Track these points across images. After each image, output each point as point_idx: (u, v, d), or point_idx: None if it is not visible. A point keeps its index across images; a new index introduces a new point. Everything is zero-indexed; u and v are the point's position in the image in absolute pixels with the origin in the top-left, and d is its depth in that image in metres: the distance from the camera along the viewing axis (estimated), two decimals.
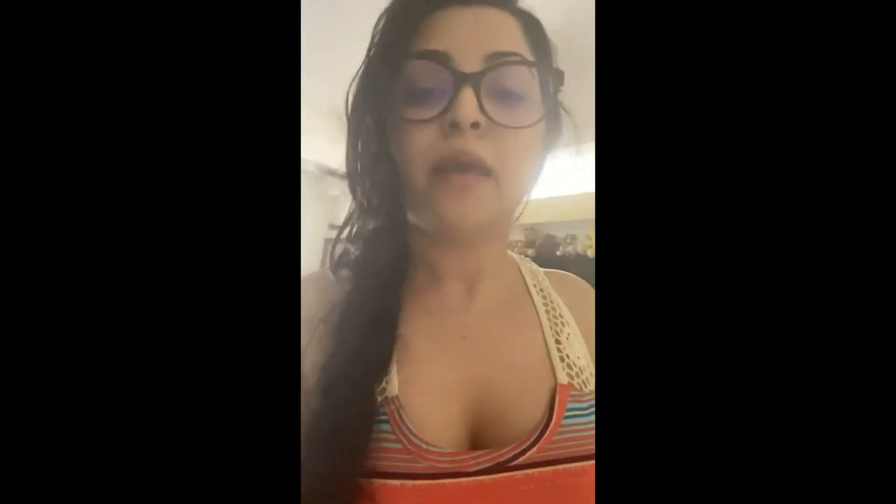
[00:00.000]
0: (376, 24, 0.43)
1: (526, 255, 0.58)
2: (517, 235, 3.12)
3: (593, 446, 0.40)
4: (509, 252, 0.53)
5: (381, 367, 0.41)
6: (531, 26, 0.43)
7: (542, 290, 0.50)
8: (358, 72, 0.43)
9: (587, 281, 0.53)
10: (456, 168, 0.38)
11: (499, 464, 0.39)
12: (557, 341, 0.46)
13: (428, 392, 0.41)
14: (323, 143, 1.97)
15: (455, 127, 0.37)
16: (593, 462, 0.40)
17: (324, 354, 0.41)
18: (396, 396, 0.40)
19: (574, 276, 0.54)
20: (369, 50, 0.43)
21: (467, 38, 0.39)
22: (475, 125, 0.38)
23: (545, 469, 0.39)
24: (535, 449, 0.39)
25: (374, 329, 0.41)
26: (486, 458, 0.39)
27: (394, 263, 0.44)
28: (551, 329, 0.46)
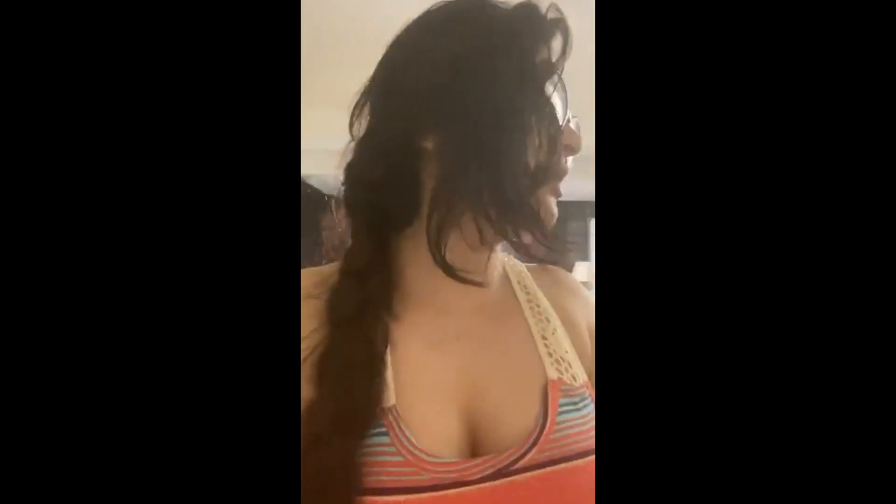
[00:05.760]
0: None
1: None
2: None
3: (588, 442, 0.41)
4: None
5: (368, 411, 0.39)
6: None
7: (525, 286, 0.50)
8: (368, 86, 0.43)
9: None
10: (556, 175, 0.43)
11: (500, 469, 0.38)
12: (544, 337, 0.46)
13: (425, 399, 0.40)
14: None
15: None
16: (591, 459, 0.40)
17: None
18: (394, 406, 0.39)
19: (554, 267, 0.54)
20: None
21: None
22: None
23: (545, 470, 0.39)
24: (535, 450, 0.39)
25: (363, 367, 0.40)
26: (488, 465, 0.39)
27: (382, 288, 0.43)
28: (537, 325, 0.46)
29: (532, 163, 0.40)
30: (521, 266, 0.52)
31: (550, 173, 0.42)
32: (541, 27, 0.42)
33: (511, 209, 0.40)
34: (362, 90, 0.45)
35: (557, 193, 0.45)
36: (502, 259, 0.51)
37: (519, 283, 0.50)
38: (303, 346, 0.40)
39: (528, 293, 0.49)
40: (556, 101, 0.42)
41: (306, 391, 0.38)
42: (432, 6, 0.44)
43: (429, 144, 0.41)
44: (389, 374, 0.40)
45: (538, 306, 0.48)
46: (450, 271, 0.41)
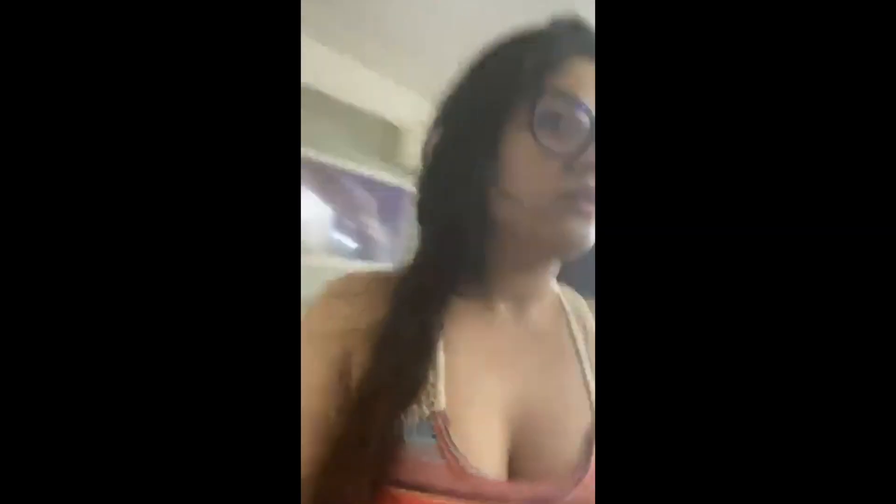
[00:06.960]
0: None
1: None
2: None
3: None
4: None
5: (417, 384, 0.41)
6: None
7: (580, 316, 0.50)
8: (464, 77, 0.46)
9: None
10: (586, 198, 0.40)
11: (539, 499, 0.39)
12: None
13: (475, 411, 0.41)
14: None
15: (590, 168, 0.39)
16: None
17: (363, 366, 0.41)
18: (444, 411, 0.40)
19: None
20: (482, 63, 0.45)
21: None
22: None
23: None
24: (578, 488, 0.40)
25: (415, 346, 0.42)
26: (528, 491, 0.40)
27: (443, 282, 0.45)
28: (589, 361, 0.47)
29: (552, 185, 0.40)
30: (581, 299, 0.53)
31: (576, 195, 0.41)
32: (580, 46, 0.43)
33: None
34: (435, 114, 0.47)
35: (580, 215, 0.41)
36: (558, 288, 0.53)
37: (574, 311, 0.51)
38: (363, 317, 0.43)
39: (584, 325, 0.50)
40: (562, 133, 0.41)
41: (367, 361, 0.41)
42: (504, 33, 0.46)
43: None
44: (441, 379, 0.41)
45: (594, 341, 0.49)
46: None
